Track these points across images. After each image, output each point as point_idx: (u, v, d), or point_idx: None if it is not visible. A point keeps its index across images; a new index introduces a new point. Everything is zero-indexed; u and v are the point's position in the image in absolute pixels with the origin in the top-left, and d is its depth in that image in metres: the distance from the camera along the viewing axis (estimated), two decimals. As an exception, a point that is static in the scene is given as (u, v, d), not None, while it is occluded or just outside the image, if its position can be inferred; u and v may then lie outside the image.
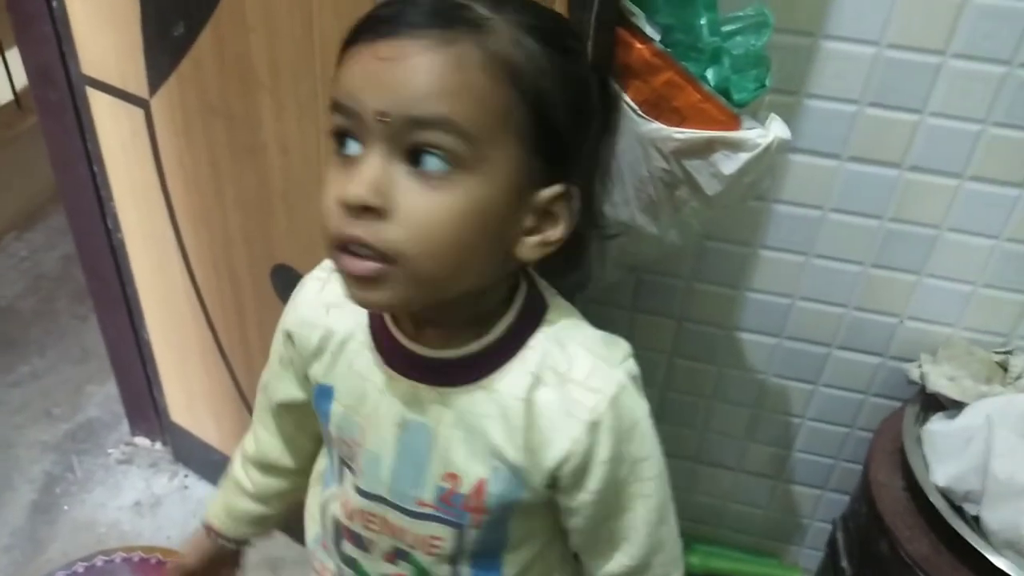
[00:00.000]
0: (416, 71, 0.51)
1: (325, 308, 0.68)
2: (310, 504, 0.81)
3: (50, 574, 1.32)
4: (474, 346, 0.62)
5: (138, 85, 1.09)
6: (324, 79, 0.90)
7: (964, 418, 1.03)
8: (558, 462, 0.61)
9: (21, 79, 2.20)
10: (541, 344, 0.62)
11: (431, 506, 0.65)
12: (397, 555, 0.70)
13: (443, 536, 0.66)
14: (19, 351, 1.86)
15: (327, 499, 0.74)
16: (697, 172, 0.79)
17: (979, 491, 0.97)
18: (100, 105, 1.17)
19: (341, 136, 0.55)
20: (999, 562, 0.92)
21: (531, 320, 0.63)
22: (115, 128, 1.18)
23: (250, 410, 1.32)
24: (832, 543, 1.18)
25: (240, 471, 0.84)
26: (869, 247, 1.11)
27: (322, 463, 0.80)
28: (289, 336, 0.71)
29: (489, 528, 0.66)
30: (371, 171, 0.52)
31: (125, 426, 1.66)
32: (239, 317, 1.22)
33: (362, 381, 0.66)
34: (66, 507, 1.53)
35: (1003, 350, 1.13)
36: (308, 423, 0.76)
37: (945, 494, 1.00)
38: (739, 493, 1.40)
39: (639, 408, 0.63)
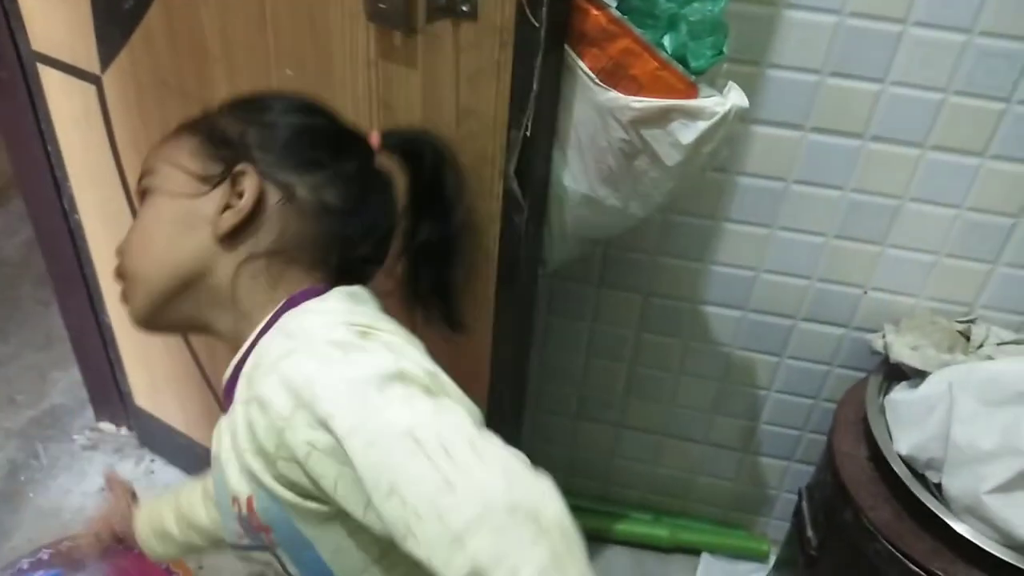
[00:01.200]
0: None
1: None
2: None
3: (14, 562, 1.31)
4: (236, 358, 0.64)
5: (89, 61, 1.06)
6: (276, 52, 0.87)
7: (926, 387, 1.04)
8: (262, 447, 0.57)
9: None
10: (264, 342, 0.62)
11: (245, 537, 0.66)
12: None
13: (274, 562, 0.68)
14: (-19, 338, 1.82)
15: None
16: (656, 141, 0.78)
17: (940, 458, 0.97)
18: (52, 82, 1.14)
19: None
20: (960, 528, 0.93)
21: (268, 326, 0.63)
22: (68, 106, 1.15)
23: (214, 392, 1.30)
24: (798, 513, 1.19)
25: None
26: (832, 218, 1.11)
27: None
28: None
29: (292, 547, 0.62)
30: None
31: (90, 412, 1.64)
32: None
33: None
34: (31, 494, 1.50)
35: (965, 319, 1.14)
36: None
37: (907, 462, 1.01)
38: (707, 465, 1.40)
39: (299, 360, 0.56)
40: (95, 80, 1.08)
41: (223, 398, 0.67)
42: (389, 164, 0.73)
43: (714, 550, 1.45)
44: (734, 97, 0.78)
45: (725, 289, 1.20)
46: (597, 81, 0.77)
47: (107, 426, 1.62)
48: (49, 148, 1.22)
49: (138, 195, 0.69)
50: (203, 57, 0.93)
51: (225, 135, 0.66)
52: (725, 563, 1.44)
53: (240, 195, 0.64)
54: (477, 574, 0.45)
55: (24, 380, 1.74)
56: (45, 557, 1.33)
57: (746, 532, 1.46)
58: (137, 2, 0.95)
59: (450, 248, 0.76)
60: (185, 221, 0.65)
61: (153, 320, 0.67)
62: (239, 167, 0.65)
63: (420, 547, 0.47)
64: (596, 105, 0.78)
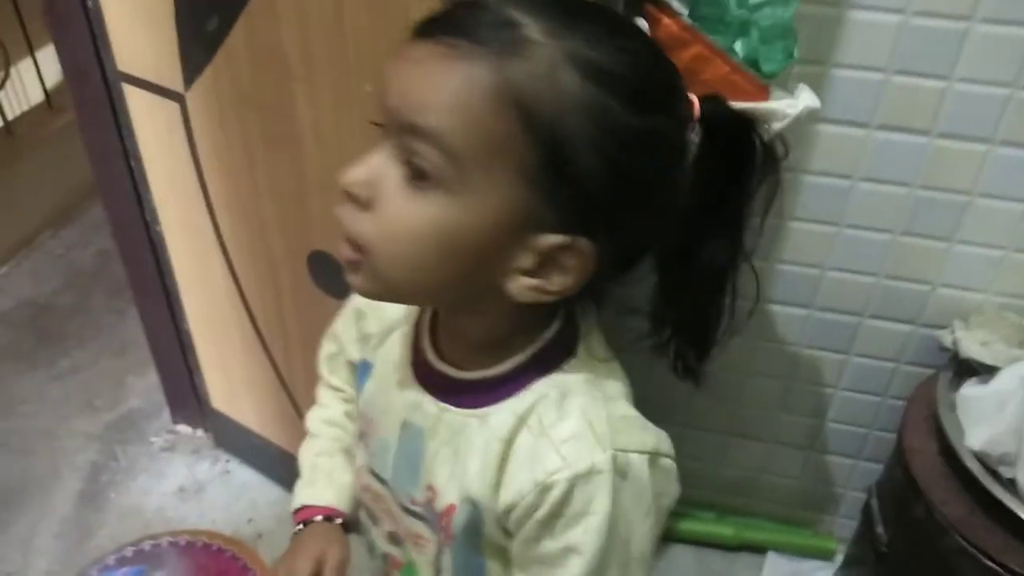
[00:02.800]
0: (424, 79, 0.50)
1: None
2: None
3: (100, 558, 1.37)
4: (479, 374, 0.61)
5: (173, 79, 1.11)
6: (357, 68, 0.91)
7: (997, 382, 1.04)
8: (506, 507, 0.59)
9: (51, 79, 2.25)
10: (541, 389, 0.59)
11: (420, 505, 0.66)
12: (392, 540, 0.72)
13: (427, 537, 0.66)
14: (59, 346, 1.90)
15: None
16: (728, 144, 0.80)
17: (1014, 453, 0.98)
18: (136, 100, 1.20)
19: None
20: (1037, 523, 0.93)
21: (544, 363, 0.60)
22: (151, 122, 1.20)
23: (289, 394, 1.35)
24: (867, 510, 1.19)
25: (327, 444, 0.81)
26: (899, 215, 1.11)
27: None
28: (361, 313, 0.73)
29: (461, 553, 0.64)
30: (370, 163, 0.53)
31: (166, 415, 1.70)
32: (276, 303, 1.24)
33: (392, 370, 0.67)
34: (112, 495, 1.57)
35: (1035, 314, 1.13)
36: None
37: (980, 457, 1.01)
38: (772, 464, 1.41)
39: (601, 503, 0.55)
40: (179, 98, 1.13)
41: (419, 378, 0.64)
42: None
43: (780, 548, 1.45)
44: (806, 98, 0.79)
45: (791, 287, 1.21)
46: (670, 87, 0.79)
47: (184, 428, 1.68)
48: (132, 163, 1.28)
49: (397, 136, 0.52)
50: (284, 73, 0.97)
51: (576, 187, 0.51)
52: (791, 561, 1.44)
53: (563, 274, 0.54)
54: None
55: (102, 386, 1.80)
56: (129, 554, 1.39)
57: (812, 530, 1.46)
58: (221, 23, 1.00)
59: (726, 278, 0.63)
60: (481, 256, 0.53)
61: (385, 298, 0.60)
62: (570, 242, 0.53)
63: None
64: (668, 110, 0.80)
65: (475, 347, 0.61)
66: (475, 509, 0.61)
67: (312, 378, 0.83)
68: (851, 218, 1.13)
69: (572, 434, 0.57)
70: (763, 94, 0.79)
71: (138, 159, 1.27)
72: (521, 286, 0.54)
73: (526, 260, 0.53)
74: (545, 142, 0.49)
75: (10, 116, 2.18)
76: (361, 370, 0.72)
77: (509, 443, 0.59)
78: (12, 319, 1.96)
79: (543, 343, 0.60)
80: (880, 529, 1.15)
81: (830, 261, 1.17)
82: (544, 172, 0.50)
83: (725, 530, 1.45)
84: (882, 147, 1.06)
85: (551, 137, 0.49)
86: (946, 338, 1.13)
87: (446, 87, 0.49)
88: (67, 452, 1.64)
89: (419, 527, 0.67)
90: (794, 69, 0.85)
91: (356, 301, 0.74)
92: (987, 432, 1.01)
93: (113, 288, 2.05)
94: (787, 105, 0.78)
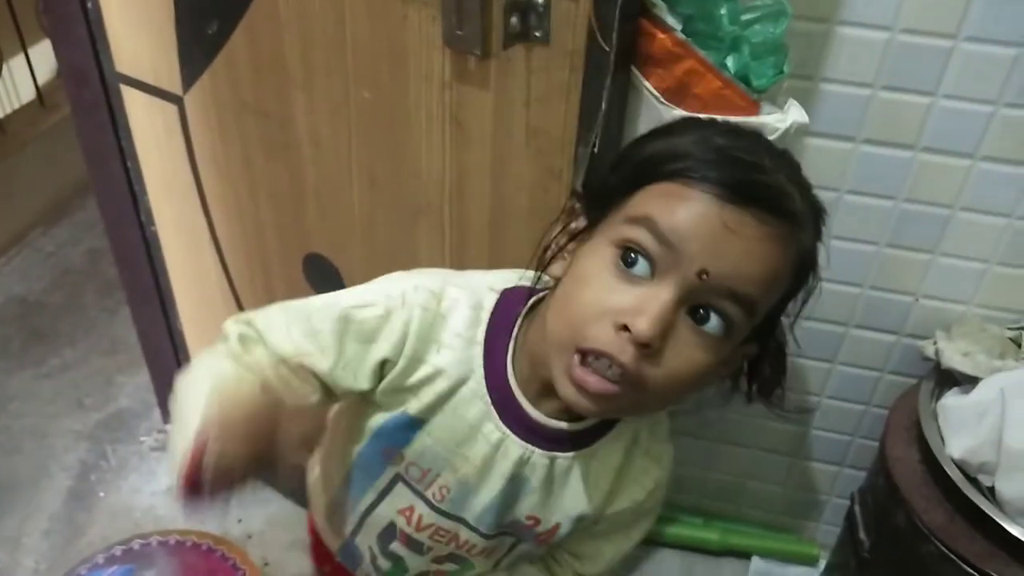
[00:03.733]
0: (758, 258, 0.55)
1: (437, 346, 0.66)
2: (316, 503, 0.86)
3: (89, 557, 1.37)
4: (590, 421, 0.69)
5: (172, 82, 1.12)
6: (355, 76, 0.93)
7: (978, 392, 1.06)
8: (616, 511, 0.73)
9: (43, 76, 2.24)
10: (631, 420, 0.71)
11: (507, 528, 0.73)
12: (449, 559, 0.77)
13: (503, 545, 0.76)
14: (49, 344, 1.90)
15: (368, 506, 0.78)
16: (719, 157, 0.82)
17: (994, 462, 1.00)
18: (134, 102, 1.21)
19: (632, 251, 0.56)
20: (1014, 530, 0.95)
21: None
22: (149, 124, 1.21)
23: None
24: (850, 516, 1.21)
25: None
26: (884, 227, 1.14)
27: (328, 478, 0.82)
28: (382, 362, 0.67)
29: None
30: (664, 313, 0.54)
31: (157, 415, 1.70)
32: (270, 304, 1.25)
33: (469, 428, 0.68)
34: (102, 493, 1.57)
35: (1016, 326, 1.15)
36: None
37: (960, 466, 1.03)
38: (758, 471, 1.43)
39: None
40: (177, 100, 1.14)
41: (522, 436, 0.68)
42: None
43: (764, 554, 1.47)
44: (794, 113, 0.81)
45: (777, 297, 1.23)
46: (662, 100, 0.81)
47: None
48: (128, 164, 1.29)
49: (694, 289, 0.56)
50: (284, 79, 0.99)
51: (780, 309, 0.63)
52: (775, 567, 1.47)
53: (728, 368, 0.64)
54: None
55: (92, 384, 1.81)
56: (118, 553, 1.39)
57: (796, 536, 1.49)
58: (221, 27, 1.01)
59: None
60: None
61: (612, 416, 0.69)
62: (758, 351, 0.64)
63: None
64: (661, 122, 0.82)
65: None
66: (581, 521, 0.72)
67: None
68: (838, 230, 1.15)
69: (662, 448, 0.74)
70: (753, 109, 0.81)
71: (135, 160, 1.28)
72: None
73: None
74: (798, 286, 0.61)
75: (1, 114, 2.17)
76: (404, 424, 0.70)
77: (622, 468, 0.71)
78: (2, 317, 1.96)
79: None
80: (862, 535, 1.17)
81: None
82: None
83: (711, 535, 1.47)
84: (868, 160, 1.09)
85: (803, 281, 0.61)
86: (928, 348, 1.15)
87: (776, 268, 0.56)
88: (56, 451, 1.65)
89: (497, 542, 0.75)
90: (785, 83, 0.87)
91: (379, 349, 0.66)
92: (967, 441, 1.03)
93: (104, 287, 2.05)
94: (776, 120, 0.80)
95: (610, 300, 0.55)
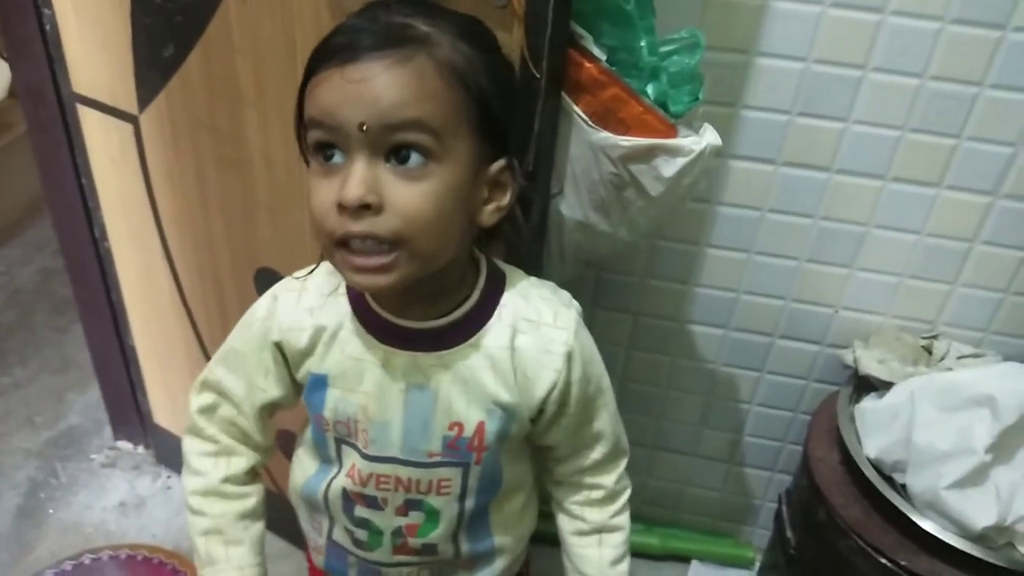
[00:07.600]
0: (386, 86, 0.61)
1: (308, 312, 0.76)
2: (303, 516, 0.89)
3: (39, 572, 1.38)
4: (460, 312, 0.73)
5: (128, 102, 1.16)
6: (305, 95, 0.98)
7: (891, 396, 1.13)
8: (547, 392, 0.75)
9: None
10: (511, 301, 0.75)
11: (439, 454, 0.76)
12: (408, 506, 0.79)
13: (451, 477, 0.77)
14: (-1, 363, 1.90)
15: (327, 484, 0.81)
16: (641, 175, 0.89)
17: (904, 460, 1.07)
18: (90, 121, 1.24)
19: (323, 149, 0.64)
20: (922, 522, 1.02)
21: (498, 284, 0.76)
22: (104, 142, 1.24)
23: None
24: (778, 516, 1.27)
25: (236, 521, 0.83)
26: (804, 244, 1.21)
27: (303, 474, 0.86)
28: (278, 346, 0.77)
29: (487, 463, 0.78)
30: (361, 174, 0.62)
31: (107, 432, 1.71)
32: (223, 318, 1.29)
33: (358, 362, 0.75)
34: (51, 510, 1.57)
35: (928, 335, 1.23)
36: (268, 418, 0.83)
37: (875, 465, 1.10)
38: (695, 477, 1.49)
39: (589, 336, 0.79)
40: (132, 120, 1.17)
41: (402, 347, 0.73)
42: None
43: (703, 558, 1.53)
44: (709, 136, 0.88)
45: (708, 309, 1.30)
46: (590, 123, 0.87)
47: (125, 445, 1.69)
48: (83, 180, 1.31)
49: (371, 143, 0.62)
50: (237, 100, 1.03)
51: (497, 121, 0.68)
52: (713, 570, 1.52)
53: (504, 191, 0.70)
54: None
55: (42, 402, 1.80)
56: (68, 568, 1.40)
57: (733, 540, 1.54)
58: (177, 49, 1.06)
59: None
60: (465, 202, 0.67)
61: (403, 286, 0.68)
62: (507, 162, 0.69)
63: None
64: (589, 144, 0.88)
65: (440, 300, 0.73)
66: (504, 412, 0.75)
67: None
68: (761, 246, 1.22)
69: (554, 313, 0.76)
70: (671, 132, 0.87)
71: (89, 177, 1.30)
72: (487, 213, 0.69)
73: (484, 191, 0.69)
74: (476, 95, 0.64)
75: (-48, 134, 2.17)
76: (313, 386, 0.77)
77: (513, 349, 0.74)
78: (-48, 336, 1.95)
79: (487, 272, 0.76)
80: (789, 534, 1.23)
81: (743, 285, 1.26)
82: (481, 118, 0.65)
83: (651, 540, 1.52)
84: (787, 182, 1.16)
85: (478, 89, 0.65)
86: (847, 356, 1.22)
87: (407, 84, 0.61)
88: (5, 468, 1.64)
89: (441, 472, 0.77)
90: (704, 109, 0.93)
91: (262, 343, 0.78)
92: (882, 441, 1.10)
93: (55, 306, 2.05)
94: (692, 142, 0.86)
95: (328, 195, 0.63)
